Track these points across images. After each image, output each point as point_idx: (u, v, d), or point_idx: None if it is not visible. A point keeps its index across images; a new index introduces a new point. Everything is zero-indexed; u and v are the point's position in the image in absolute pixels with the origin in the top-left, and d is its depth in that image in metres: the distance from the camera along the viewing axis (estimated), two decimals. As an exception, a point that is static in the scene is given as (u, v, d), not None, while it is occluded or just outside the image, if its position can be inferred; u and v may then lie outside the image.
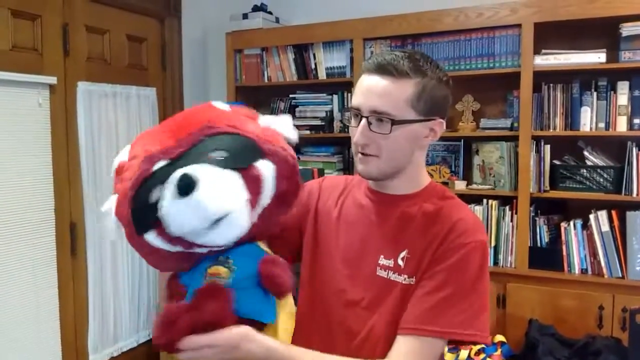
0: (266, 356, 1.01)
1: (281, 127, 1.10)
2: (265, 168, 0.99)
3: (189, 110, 1.10)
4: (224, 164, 0.95)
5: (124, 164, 1.06)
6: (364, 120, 1.15)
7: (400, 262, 1.15)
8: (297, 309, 1.23)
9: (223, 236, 0.96)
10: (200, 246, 0.98)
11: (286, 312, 1.08)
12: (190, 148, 0.98)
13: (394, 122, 1.12)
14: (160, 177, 0.95)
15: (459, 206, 1.20)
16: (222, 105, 1.10)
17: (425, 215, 1.17)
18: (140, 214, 0.97)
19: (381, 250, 1.18)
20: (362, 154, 1.18)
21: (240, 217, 0.96)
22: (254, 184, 0.97)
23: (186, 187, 0.90)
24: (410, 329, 1.08)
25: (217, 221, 0.93)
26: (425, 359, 1.09)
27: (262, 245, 1.10)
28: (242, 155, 0.98)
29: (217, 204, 0.92)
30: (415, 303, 1.10)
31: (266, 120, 1.10)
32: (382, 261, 1.17)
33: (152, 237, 0.97)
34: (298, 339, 1.13)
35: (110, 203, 1.05)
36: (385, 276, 1.17)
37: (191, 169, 0.92)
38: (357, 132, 1.16)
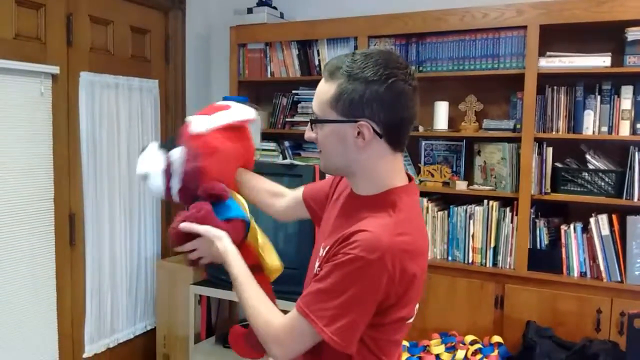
0: (223, 255, 1.31)
1: (228, 117, 1.49)
2: (176, 152, 1.41)
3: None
4: (161, 146, 1.46)
5: None
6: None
7: (323, 253, 1.23)
8: None
9: (150, 187, 1.45)
10: None
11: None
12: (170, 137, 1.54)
13: (312, 121, 1.25)
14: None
15: (381, 220, 1.17)
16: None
17: (357, 219, 1.20)
18: None
19: (325, 240, 1.28)
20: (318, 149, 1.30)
21: (155, 178, 1.43)
22: (167, 165, 1.41)
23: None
24: (297, 303, 1.18)
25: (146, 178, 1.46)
26: (298, 334, 1.17)
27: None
28: (168, 143, 1.45)
29: (138, 169, 1.46)
30: (309, 285, 1.20)
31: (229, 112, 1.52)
32: (320, 250, 1.27)
33: None
34: None
35: None
36: (315, 263, 1.28)
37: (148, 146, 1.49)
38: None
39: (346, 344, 1.13)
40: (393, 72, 1.16)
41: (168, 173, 1.41)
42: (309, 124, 1.26)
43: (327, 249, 1.21)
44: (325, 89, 1.21)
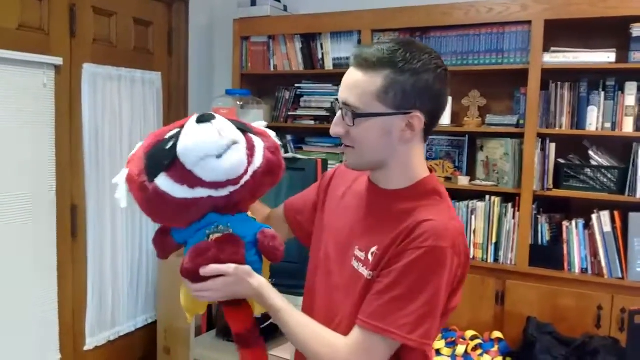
0: (258, 289, 1.19)
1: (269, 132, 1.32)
2: (257, 139, 1.23)
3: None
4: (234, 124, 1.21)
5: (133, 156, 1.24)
6: (339, 112, 1.19)
7: (369, 256, 1.17)
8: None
9: (228, 164, 1.14)
10: (204, 185, 1.15)
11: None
12: None
13: (356, 115, 1.14)
14: (175, 134, 1.16)
15: (436, 207, 1.16)
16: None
17: (402, 212, 1.16)
18: (154, 160, 1.15)
19: (358, 242, 1.22)
20: (344, 145, 1.21)
21: (242, 151, 1.17)
22: (249, 143, 1.20)
23: (206, 117, 1.15)
24: (362, 321, 1.12)
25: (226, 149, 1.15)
26: (371, 352, 1.11)
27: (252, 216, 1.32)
28: (240, 126, 1.23)
29: (230, 131, 1.16)
30: (371, 297, 1.13)
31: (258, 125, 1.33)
32: (357, 252, 1.21)
33: (162, 180, 1.14)
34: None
35: (121, 175, 1.21)
36: (356, 267, 1.20)
37: (209, 114, 1.17)
38: (332, 123, 1.21)
39: (432, 341, 1.11)
40: (438, 62, 1.16)
41: (250, 154, 1.21)
42: (342, 118, 1.18)
43: (373, 251, 1.17)
44: (367, 81, 1.14)
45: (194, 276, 1.18)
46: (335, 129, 1.19)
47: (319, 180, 1.46)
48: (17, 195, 2.56)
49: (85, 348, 2.96)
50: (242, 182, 1.18)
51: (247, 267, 1.19)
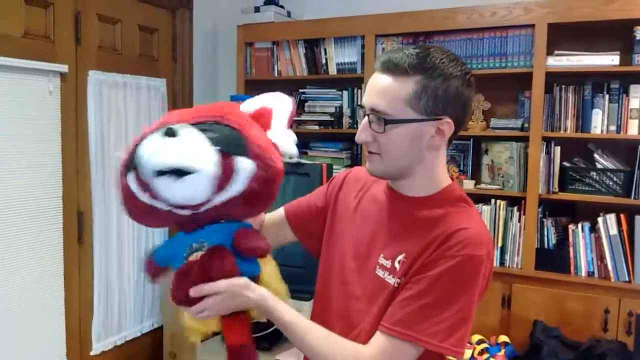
0: (259, 302, 1.13)
1: (284, 141, 1.17)
2: (244, 165, 1.07)
3: (219, 102, 1.24)
4: (212, 141, 1.05)
5: None
6: (365, 118, 1.16)
7: (396, 264, 1.15)
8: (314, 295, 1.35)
9: (178, 192, 1.05)
10: (162, 200, 1.08)
11: (268, 271, 1.20)
12: (196, 124, 1.09)
13: (387, 122, 1.12)
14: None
15: (467, 215, 1.16)
16: (246, 107, 1.21)
17: (431, 220, 1.15)
18: (133, 156, 1.07)
19: (383, 250, 1.19)
20: (368, 151, 1.19)
21: (198, 185, 1.04)
22: (227, 170, 1.05)
23: (174, 130, 1.02)
24: (388, 328, 1.10)
25: (180, 175, 1.02)
26: (396, 359, 1.09)
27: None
28: (229, 144, 1.07)
29: (193, 157, 1.02)
30: (398, 304, 1.11)
31: (273, 133, 1.18)
32: (382, 260, 1.18)
33: (130, 179, 1.08)
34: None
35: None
36: (382, 276, 1.18)
37: (179, 126, 1.05)
38: (358, 130, 1.18)
39: (464, 348, 1.10)
40: (465, 68, 1.15)
41: (223, 182, 1.06)
42: (368, 124, 1.15)
43: (400, 259, 1.15)
44: (397, 86, 1.11)
45: (186, 300, 1.12)
46: (362, 136, 1.16)
47: (325, 186, 1.43)
48: (23, 202, 2.57)
49: (92, 353, 2.96)
50: (204, 209, 1.10)
51: (243, 280, 1.12)
